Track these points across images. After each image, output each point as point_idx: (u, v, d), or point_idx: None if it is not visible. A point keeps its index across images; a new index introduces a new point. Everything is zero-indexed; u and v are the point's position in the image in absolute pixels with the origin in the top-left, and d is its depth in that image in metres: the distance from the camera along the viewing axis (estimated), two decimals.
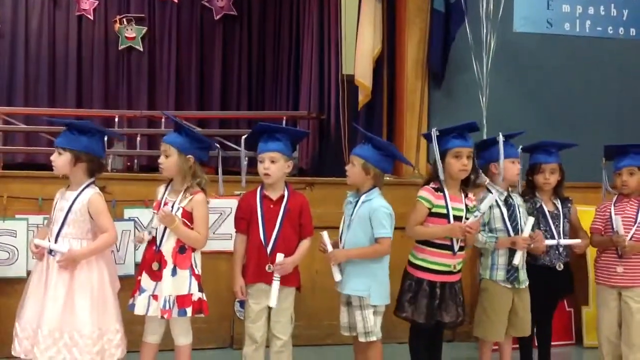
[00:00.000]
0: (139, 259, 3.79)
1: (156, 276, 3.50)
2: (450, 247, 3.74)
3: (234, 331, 4.69)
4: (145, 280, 3.52)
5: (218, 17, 10.04)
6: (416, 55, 5.89)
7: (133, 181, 4.56)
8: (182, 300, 3.51)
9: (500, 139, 3.95)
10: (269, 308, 3.64)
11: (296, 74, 9.59)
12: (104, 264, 3.53)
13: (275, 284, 3.54)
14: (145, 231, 3.62)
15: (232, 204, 4.17)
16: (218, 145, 3.87)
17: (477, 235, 3.89)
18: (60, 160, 3.49)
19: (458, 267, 3.79)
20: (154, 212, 3.57)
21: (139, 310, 3.51)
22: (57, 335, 3.36)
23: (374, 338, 3.65)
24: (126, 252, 4.36)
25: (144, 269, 3.55)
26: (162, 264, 3.50)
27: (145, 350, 3.65)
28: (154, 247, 3.54)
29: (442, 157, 3.78)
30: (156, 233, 3.54)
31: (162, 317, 3.49)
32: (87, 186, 3.53)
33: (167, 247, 3.52)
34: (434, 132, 3.80)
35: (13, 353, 3.47)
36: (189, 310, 3.53)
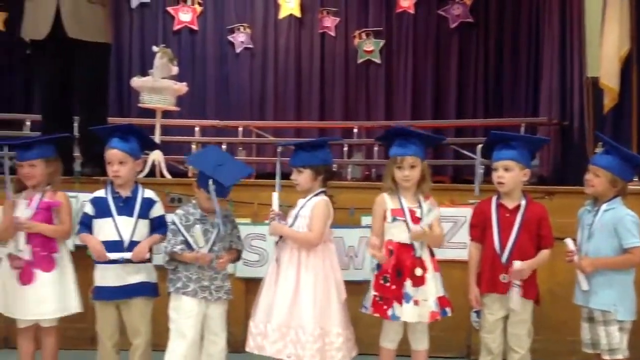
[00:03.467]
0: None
1: (417, 282, 3.57)
2: None
3: (470, 341, 4.64)
4: (409, 287, 3.58)
5: (454, 25, 10.03)
6: None
7: (370, 190, 4.69)
8: (441, 301, 3.61)
9: None
10: (505, 319, 3.58)
11: (535, 79, 9.26)
12: (330, 271, 3.66)
13: (515, 289, 3.48)
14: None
15: (466, 212, 4.13)
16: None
17: None
18: (302, 178, 3.70)
19: None
20: (398, 219, 3.63)
21: (410, 317, 3.56)
22: (284, 330, 3.56)
23: (620, 356, 3.44)
24: (364, 258, 4.51)
25: (408, 276, 3.57)
26: (423, 269, 3.58)
27: (384, 355, 3.73)
28: (412, 254, 3.60)
29: None
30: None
31: (435, 319, 3.58)
32: (318, 194, 3.72)
33: (425, 252, 3.61)
34: None
35: (247, 349, 3.73)
36: (448, 310, 3.63)
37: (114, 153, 3.72)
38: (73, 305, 3.81)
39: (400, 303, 3.54)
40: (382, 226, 3.68)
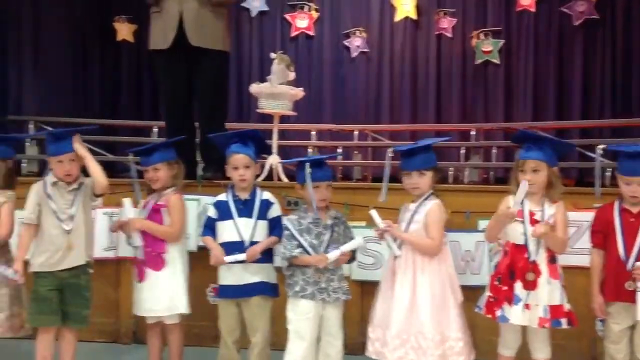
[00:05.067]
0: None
1: (528, 286, 3.47)
2: None
3: (595, 351, 4.45)
4: (519, 289, 3.49)
5: (578, 22, 9.65)
6: None
7: (487, 193, 4.61)
8: (554, 311, 3.47)
9: None
10: (632, 329, 3.42)
11: None
12: (446, 275, 3.60)
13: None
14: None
15: (590, 217, 3.97)
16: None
17: None
18: (424, 181, 3.64)
19: None
20: (516, 219, 3.53)
21: (517, 320, 3.48)
22: (404, 336, 3.52)
23: None
24: (481, 262, 4.43)
25: (519, 278, 3.49)
26: (536, 273, 3.48)
27: None
28: (526, 256, 3.51)
29: None
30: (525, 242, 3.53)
31: (542, 326, 3.47)
32: (428, 197, 3.66)
33: (541, 257, 3.50)
34: None
35: (367, 354, 3.72)
36: (564, 322, 3.48)
37: (240, 158, 3.87)
38: (180, 305, 3.96)
39: (510, 304, 3.47)
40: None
